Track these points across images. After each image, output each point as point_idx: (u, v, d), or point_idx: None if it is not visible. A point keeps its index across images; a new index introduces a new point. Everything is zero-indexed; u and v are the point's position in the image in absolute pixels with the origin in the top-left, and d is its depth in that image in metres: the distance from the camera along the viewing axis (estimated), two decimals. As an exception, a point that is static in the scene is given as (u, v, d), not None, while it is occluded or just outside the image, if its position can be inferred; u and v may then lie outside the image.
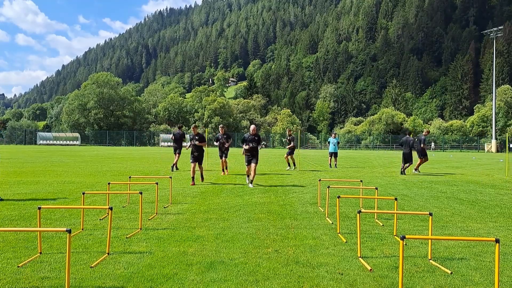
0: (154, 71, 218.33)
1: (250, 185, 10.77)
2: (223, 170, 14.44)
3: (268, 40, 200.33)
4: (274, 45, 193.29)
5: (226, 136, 14.61)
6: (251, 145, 10.81)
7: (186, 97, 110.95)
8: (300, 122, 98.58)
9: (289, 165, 17.98)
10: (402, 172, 15.91)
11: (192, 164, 11.20)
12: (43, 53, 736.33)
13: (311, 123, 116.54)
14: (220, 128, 14.87)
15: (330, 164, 19.59)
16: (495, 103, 67.75)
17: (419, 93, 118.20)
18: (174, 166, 15.60)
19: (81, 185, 10.76)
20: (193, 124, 13.56)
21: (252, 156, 10.92)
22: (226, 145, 14.23)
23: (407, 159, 15.77)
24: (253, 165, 10.82)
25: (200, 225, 6.17)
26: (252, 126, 11.06)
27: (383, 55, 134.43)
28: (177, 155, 15.61)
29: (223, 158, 14.29)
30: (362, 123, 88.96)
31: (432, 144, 70.72)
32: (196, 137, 11.28)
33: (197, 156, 11.31)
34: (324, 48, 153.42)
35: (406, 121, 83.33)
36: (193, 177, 11.11)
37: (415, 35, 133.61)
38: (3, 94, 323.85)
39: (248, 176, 11.12)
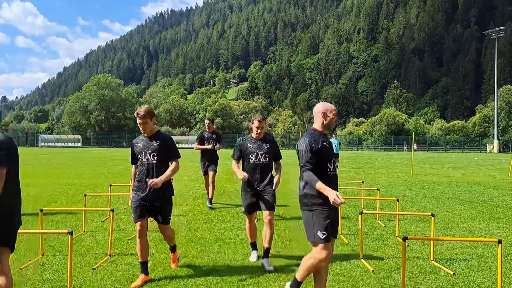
0: (155, 72, 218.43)
1: None
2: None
3: (269, 41, 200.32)
4: (275, 46, 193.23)
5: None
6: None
7: (187, 98, 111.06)
8: (302, 123, 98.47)
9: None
10: None
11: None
12: (43, 55, 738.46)
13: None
14: None
15: (331, 165, 19.51)
16: (497, 103, 67.58)
17: (420, 93, 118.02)
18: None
19: (83, 187, 10.77)
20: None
21: None
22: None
23: None
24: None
25: (202, 226, 6.16)
26: (328, 105, 3.45)
27: (384, 56, 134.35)
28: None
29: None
30: (363, 124, 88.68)
31: (415, 145, 69.67)
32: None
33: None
34: (325, 49, 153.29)
35: (408, 122, 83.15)
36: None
37: (417, 36, 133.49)
38: (4, 96, 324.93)
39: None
